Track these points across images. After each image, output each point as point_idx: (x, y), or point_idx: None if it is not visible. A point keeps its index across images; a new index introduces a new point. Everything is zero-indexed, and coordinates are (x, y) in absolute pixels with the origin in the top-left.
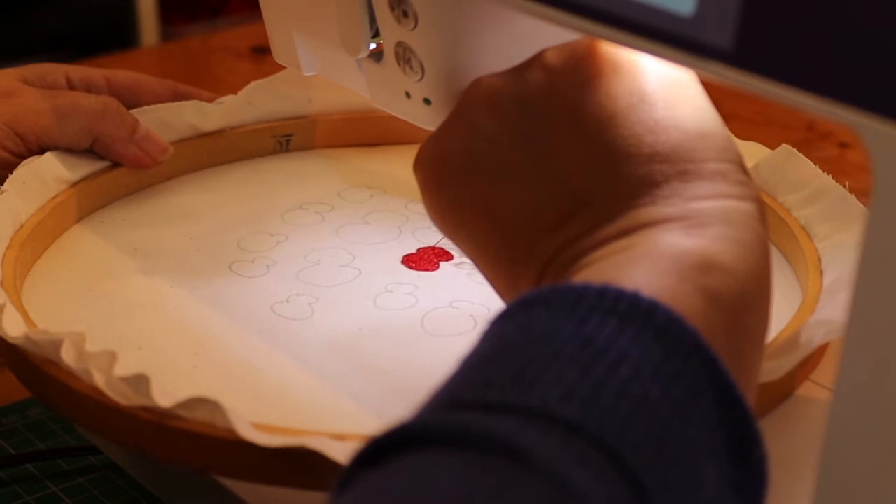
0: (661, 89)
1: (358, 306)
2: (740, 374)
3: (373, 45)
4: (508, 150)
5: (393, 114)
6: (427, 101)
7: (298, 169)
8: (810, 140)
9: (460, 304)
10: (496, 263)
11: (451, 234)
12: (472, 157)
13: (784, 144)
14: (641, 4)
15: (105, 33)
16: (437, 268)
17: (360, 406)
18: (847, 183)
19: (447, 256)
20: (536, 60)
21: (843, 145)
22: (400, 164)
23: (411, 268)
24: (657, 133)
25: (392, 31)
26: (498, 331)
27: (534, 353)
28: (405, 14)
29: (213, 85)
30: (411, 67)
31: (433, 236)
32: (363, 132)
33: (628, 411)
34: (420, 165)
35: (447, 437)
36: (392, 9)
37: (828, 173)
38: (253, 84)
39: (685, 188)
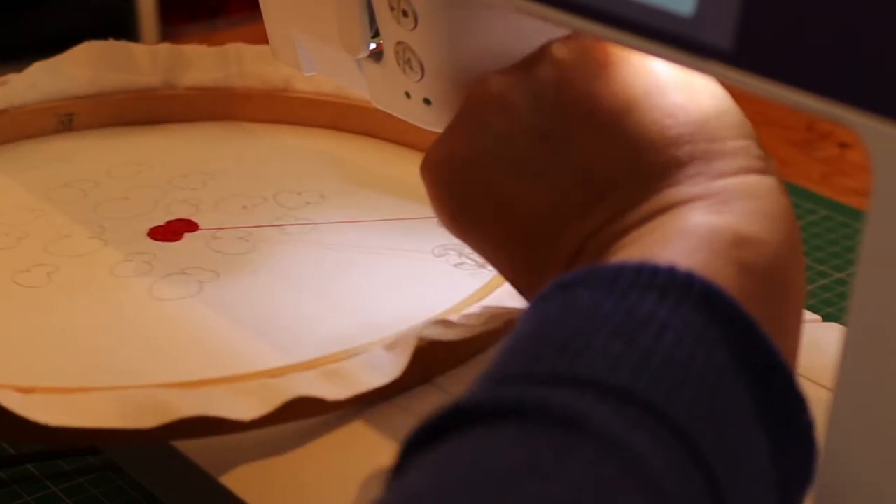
0: (673, 74)
1: (95, 275)
2: (782, 340)
3: (373, 45)
4: (524, 147)
5: (393, 114)
6: (427, 101)
7: (77, 147)
8: (810, 140)
9: (191, 271)
10: (518, 261)
11: (464, 237)
12: (485, 156)
13: None
14: (641, 4)
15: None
16: (181, 238)
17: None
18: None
19: (193, 227)
20: (544, 54)
21: (843, 145)
22: (173, 141)
23: (155, 239)
24: (676, 116)
25: (392, 30)
26: (540, 311)
27: (578, 327)
28: (405, 14)
29: None
30: (411, 67)
31: (187, 210)
32: (143, 111)
33: (676, 377)
34: (428, 169)
35: (502, 410)
36: (392, 8)
37: (828, 173)
38: (35, 65)
39: (709, 167)
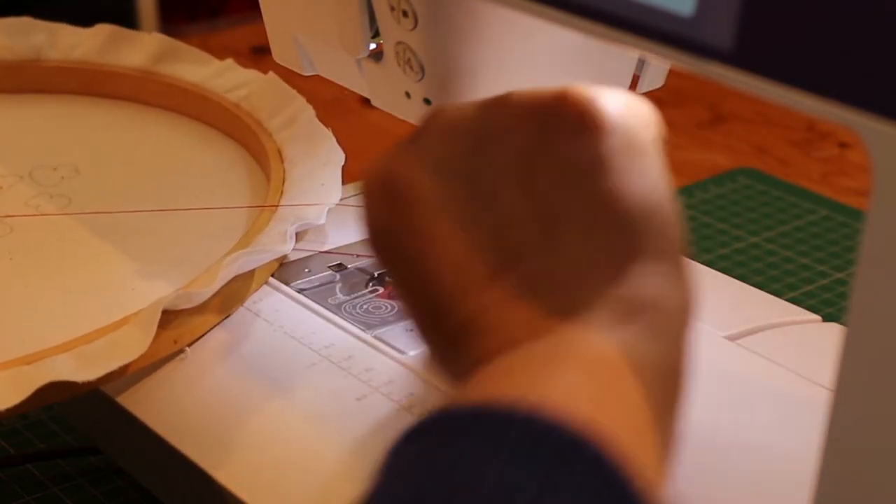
0: (619, 155)
1: None
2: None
3: (372, 45)
4: (454, 186)
5: (393, 114)
6: (427, 101)
7: None
8: (810, 140)
9: None
10: (421, 305)
11: (385, 264)
12: (418, 185)
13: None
14: (641, 4)
15: None
16: None
17: None
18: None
19: None
20: (502, 100)
21: (843, 145)
22: None
23: None
24: (604, 205)
25: (392, 30)
26: (417, 468)
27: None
28: (405, 14)
29: None
30: (411, 67)
31: None
32: None
33: None
34: (367, 183)
35: None
36: (392, 9)
37: (828, 173)
38: None
39: (619, 272)
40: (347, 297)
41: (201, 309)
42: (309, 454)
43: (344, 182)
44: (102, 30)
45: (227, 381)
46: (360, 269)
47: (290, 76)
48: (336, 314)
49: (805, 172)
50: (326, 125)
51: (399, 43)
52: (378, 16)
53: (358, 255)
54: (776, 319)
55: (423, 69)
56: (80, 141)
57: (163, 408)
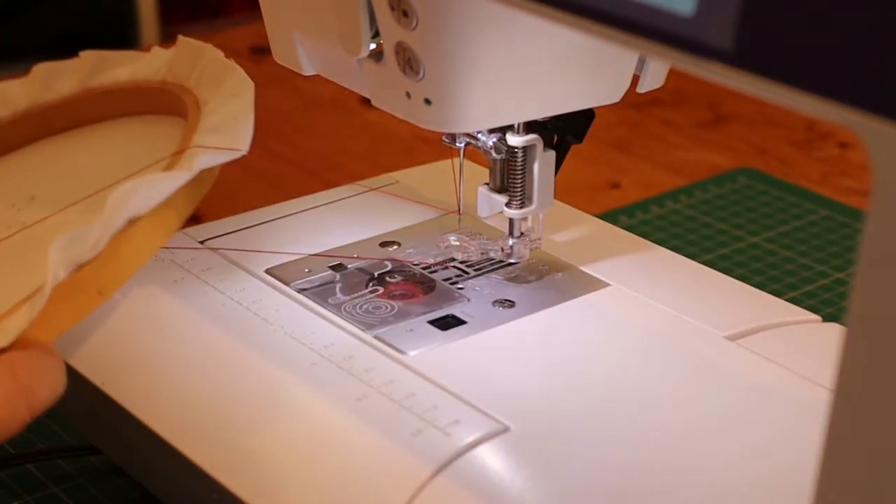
0: None
1: None
2: None
3: (373, 45)
4: None
5: (394, 114)
6: (427, 102)
7: None
8: (810, 140)
9: None
10: None
11: None
12: None
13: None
14: (641, 4)
15: (105, 33)
16: None
17: None
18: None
19: None
20: None
21: (843, 145)
22: None
23: None
24: None
25: (392, 31)
26: None
27: None
28: (405, 14)
29: None
30: (411, 67)
31: None
32: None
33: None
34: None
35: None
36: (392, 9)
37: (828, 173)
38: None
39: None
40: (347, 297)
41: (115, 252)
42: (309, 454)
43: (339, 183)
44: (38, 72)
45: (226, 381)
46: (360, 270)
47: (290, 76)
48: (336, 314)
49: (805, 172)
50: (326, 125)
51: (399, 43)
52: (378, 16)
53: (357, 256)
54: (776, 319)
55: (423, 69)
56: (32, 176)
57: (162, 407)
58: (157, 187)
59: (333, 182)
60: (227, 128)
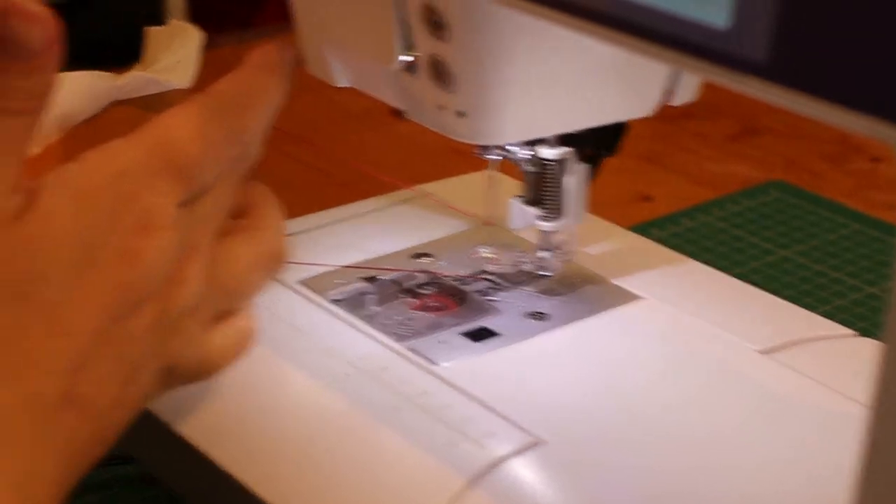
0: None
1: None
2: None
3: (406, 58)
4: None
5: (427, 126)
6: (461, 114)
7: None
8: (843, 153)
9: None
10: None
11: None
12: None
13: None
14: (675, 17)
15: (134, 42)
16: None
17: None
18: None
19: None
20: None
21: (875, 159)
22: None
23: None
24: None
25: (425, 42)
26: None
27: None
28: (438, 26)
29: None
30: (445, 80)
31: None
32: None
33: None
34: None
35: None
36: (426, 21)
37: (860, 187)
38: None
39: None
40: (381, 309)
41: None
42: (344, 464)
43: (372, 194)
44: None
45: (261, 391)
46: (393, 281)
47: (322, 87)
48: (370, 325)
49: (837, 186)
50: (357, 136)
51: (432, 55)
52: (412, 28)
53: (390, 268)
54: (810, 334)
55: (456, 82)
56: None
57: (196, 416)
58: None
59: (366, 193)
60: (170, 68)
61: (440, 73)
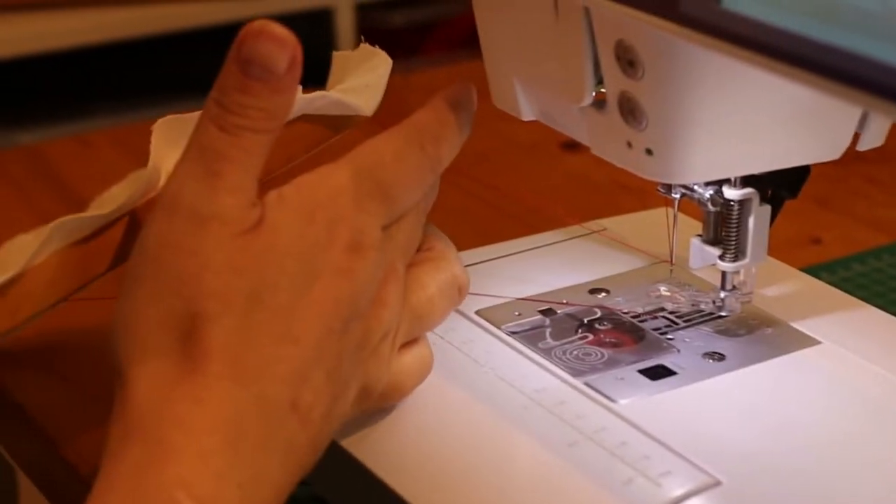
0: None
1: None
2: None
3: (595, 93)
4: None
5: (613, 162)
6: (649, 152)
7: None
8: None
9: None
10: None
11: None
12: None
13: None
14: (867, 59)
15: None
16: None
17: None
18: None
19: None
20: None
21: None
22: None
23: None
24: None
25: (616, 80)
26: None
27: None
28: (631, 64)
29: None
30: (634, 117)
31: None
32: None
33: None
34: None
35: None
36: (618, 58)
37: None
38: None
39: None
40: (557, 343)
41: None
42: (520, 497)
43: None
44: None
45: (436, 420)
46: (570, 315)
47: (490, 118)
48: (546, 359)
49: None
50: (526, 168)
51: (623, 92)
52: (603, 65)
53: (567, 302)
54: None
55: (646, 120)
56: None
57: (375, 443)
58: None
59: (534, 225)
60: (357, 91)
61: (630, 110)
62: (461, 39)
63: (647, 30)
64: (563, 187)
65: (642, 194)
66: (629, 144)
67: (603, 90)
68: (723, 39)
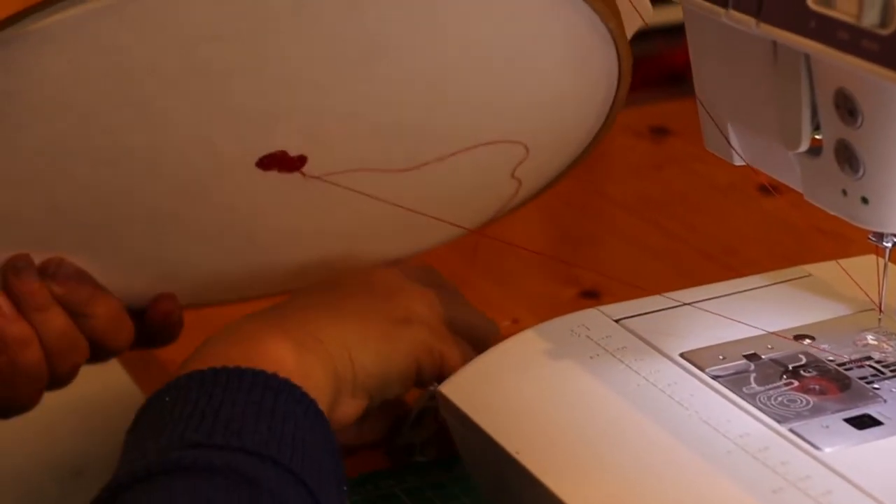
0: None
1: None
2: None
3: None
4: None
5: (826, 209)
6: (865, 201)
7: None
8: None
9: None
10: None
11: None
12: None
13: None
14: None
15: None
16: None
17: None
18: None
19: None
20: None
21: None
22: None
23: None
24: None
25: (834, 127)
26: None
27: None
28: (850, 113)
29: (608, 160)
30: (851, 166)
31: None
32: None
33: (302, 451)
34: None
35: (198, 467)
36: (837, 106)
37: None
38: None
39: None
40: (762, 388)
41: None
42: None
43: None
44: None
45: (640, 462)
46: (774, 361)
47: (687, 158)
48: (751, 404)
49: None
50: (723, 209)
51: (840, 140)
52: (821, 112)
53: (772, 347)
54: None
55: (863, 168)
56: None
57: (575, 481)
58: None
59: (731, 266)
60: None
61: (847, 158)
62: (658, 77)
63: (868, 79)
64: (759, 229)
65: (840, 239)
66: (844, 192)
67: (819, 136)
68: None
